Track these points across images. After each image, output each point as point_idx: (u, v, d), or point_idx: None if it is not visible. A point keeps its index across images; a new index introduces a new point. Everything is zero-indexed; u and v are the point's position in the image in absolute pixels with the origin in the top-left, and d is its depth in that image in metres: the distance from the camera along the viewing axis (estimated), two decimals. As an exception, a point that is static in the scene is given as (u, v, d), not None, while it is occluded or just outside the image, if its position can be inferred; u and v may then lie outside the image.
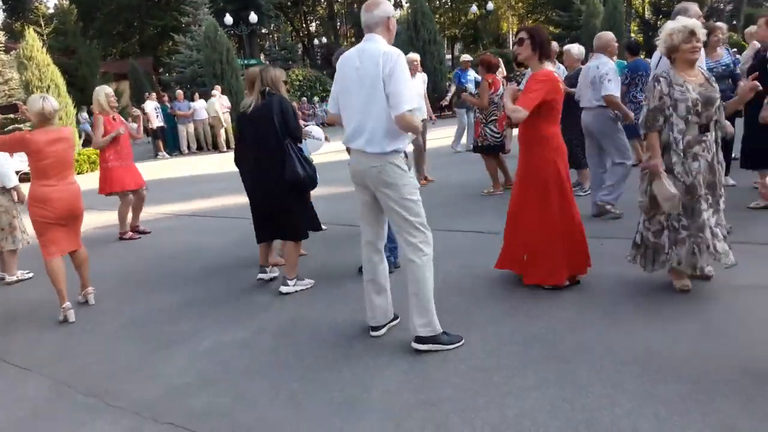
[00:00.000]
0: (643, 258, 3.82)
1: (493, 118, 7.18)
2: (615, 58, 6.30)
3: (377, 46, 3.16)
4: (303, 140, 4.67)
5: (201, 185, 10.67)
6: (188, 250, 6.15)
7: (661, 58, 4.35)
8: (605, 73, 5.44)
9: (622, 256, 4.08)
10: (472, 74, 11.25)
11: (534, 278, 4.03)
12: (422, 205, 3.31)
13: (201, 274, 5.27)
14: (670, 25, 3.58)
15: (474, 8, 32.88)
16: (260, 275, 4.81)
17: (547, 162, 3.91)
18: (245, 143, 4.65)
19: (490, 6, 33.81)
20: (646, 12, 36.91)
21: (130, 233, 6.92)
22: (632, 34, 24.92)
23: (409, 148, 3.72)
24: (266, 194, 4.48)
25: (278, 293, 4.46)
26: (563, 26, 30.21)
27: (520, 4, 41.19)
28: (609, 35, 5.87)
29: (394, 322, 3.64)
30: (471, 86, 10.76)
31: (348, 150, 3.53)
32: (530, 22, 43.25)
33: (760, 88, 3.58)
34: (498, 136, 7.19)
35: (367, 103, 3.18)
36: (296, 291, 4.49)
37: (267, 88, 4.39)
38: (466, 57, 11.85)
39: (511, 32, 43.12)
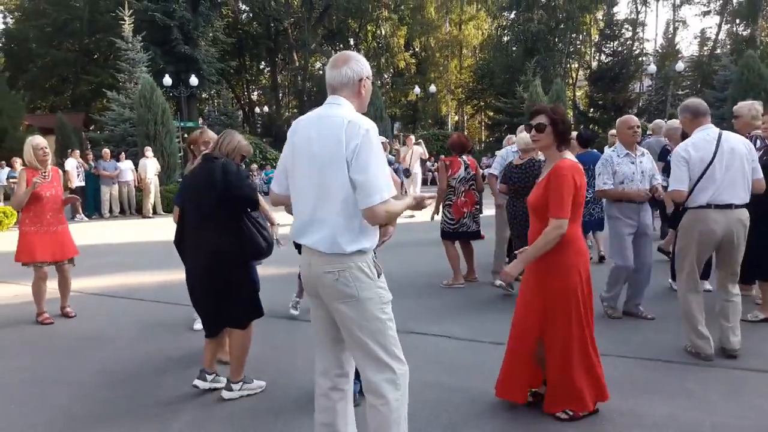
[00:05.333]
0: None
1: (448, 202, 6.60)
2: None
3: (341, 113, 2.37)
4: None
5: (117, 256, 9.47)
6: (88, 340, 5.02)
7: None
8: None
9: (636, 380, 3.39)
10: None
11: (555, 405, 3.27)
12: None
13: (99, 377, 4.19)
14: None
15: (417, 89, 33.59)
16: (197, 381, 3.77)
17: (573, 269, 3.18)
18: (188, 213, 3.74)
19: (433, 88, 34.67)
20: (580, 104, 38.64)
21: (45, 315, 5.66)
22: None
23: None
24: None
25: (221, 399, 3.66)
26: (504, 112, 31.02)
27: (460, 90, 42.53)
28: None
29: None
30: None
31: (298, 246, 2.66)
32: (468, 107, 44.70)
33: None
34: (453, 222, 6.58)
35: (322, 187, 2.38)
36: (241, 396, 3.66)
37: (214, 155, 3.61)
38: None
39: (450, 114, 44.36)
